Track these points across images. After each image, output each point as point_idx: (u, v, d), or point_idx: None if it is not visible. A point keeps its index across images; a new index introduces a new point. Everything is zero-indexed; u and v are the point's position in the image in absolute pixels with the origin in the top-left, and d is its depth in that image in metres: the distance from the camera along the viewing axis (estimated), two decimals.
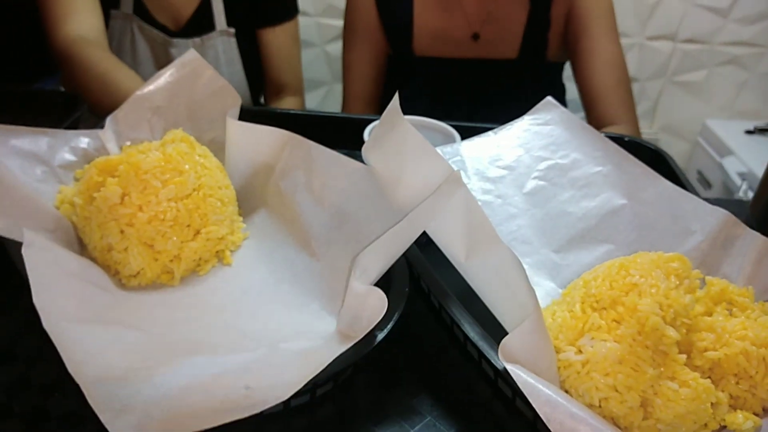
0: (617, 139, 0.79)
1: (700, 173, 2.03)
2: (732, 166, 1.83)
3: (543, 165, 0.74)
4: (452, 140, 0.83)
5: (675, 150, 2.13)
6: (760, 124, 1.95)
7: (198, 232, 0.61)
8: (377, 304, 0.50)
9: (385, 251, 0.53)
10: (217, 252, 0.63)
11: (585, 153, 0.75)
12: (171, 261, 0.60)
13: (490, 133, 0.78)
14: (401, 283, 0.56)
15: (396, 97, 0.56)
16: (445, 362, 0.58)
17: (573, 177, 0.73)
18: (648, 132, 2.17)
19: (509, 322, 0.54)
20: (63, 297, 0.51)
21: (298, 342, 0.53)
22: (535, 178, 0.74)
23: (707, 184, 1.96)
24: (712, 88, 2.11)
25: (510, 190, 0.73)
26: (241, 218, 0.68)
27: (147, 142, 0.66)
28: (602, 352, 0.50)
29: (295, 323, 0.56)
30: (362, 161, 0.62)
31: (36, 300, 0.48)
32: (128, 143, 0.70)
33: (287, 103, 1.32)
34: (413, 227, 0.53)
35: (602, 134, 0.76)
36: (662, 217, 0.69)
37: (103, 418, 0.42)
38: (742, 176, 1.76)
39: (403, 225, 0.53)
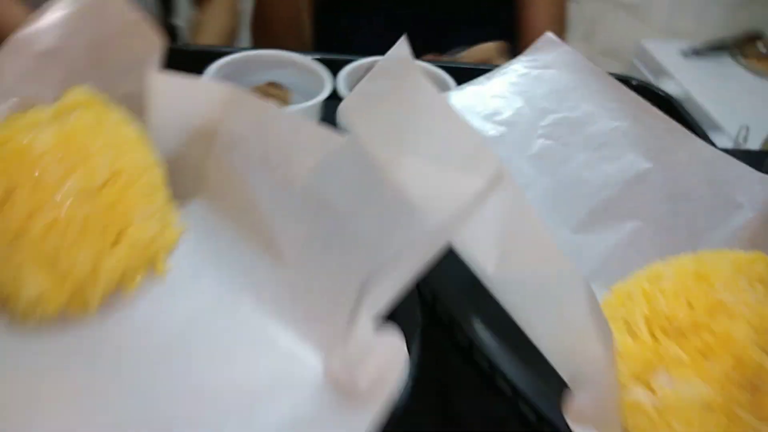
0: (623, 82, 0.66)
1: None
2: (669, 89, 1.76)
3: (548, 119, 0.60)
4: (445, 87, 0.67)
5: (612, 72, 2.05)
6: (696, 44, 1.88)
7: (120, 235, 0.44)
8: (392, 353, 0.35)
9: (400, 275, 0.37)
10: (147, 259, 0.46)
11: (597, 103, 0.61)
12: (84, 282, 0.43)
13: (481, 79, 0.63)
14: (410, 309, 0.41)
15: (403, 40, 0.40)
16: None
17: (586, 134, 0.60)
18: (587, 56, 2.06)
19: (548, 345, 0.41)
20: None
21: (277, 403, 0.38)
22: (540, 136, 0.60)
23: None
24: (648, 6, 2.01)
25: (512, 153, 0.59)
26: (171, 206, 0.50)
27: (37, 104, 0.47)
28: (686, 395, 0.38)
29: (268, 368, 0.41)
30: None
31: None
32: (14, 99, 0.51)
33: None
34: (437, 241, 0.38)
35: (615, 79, 0.63)
36: (697, 184, 0.57)
37: None
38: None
39: (427, 239, 0.37)
